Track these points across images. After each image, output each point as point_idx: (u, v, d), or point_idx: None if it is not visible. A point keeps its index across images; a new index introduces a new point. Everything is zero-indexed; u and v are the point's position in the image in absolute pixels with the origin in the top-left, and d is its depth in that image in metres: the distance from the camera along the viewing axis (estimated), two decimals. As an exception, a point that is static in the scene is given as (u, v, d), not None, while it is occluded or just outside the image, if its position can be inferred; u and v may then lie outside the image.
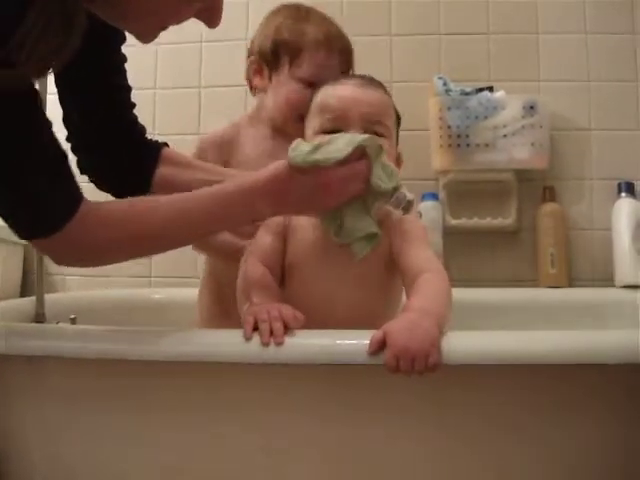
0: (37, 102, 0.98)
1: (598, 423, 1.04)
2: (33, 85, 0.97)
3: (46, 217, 0.99)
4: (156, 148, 1.40)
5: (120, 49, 1.34)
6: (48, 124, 1.00)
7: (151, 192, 1.37)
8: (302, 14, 1.53)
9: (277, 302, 1.12)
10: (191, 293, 1.83)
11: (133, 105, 1.39)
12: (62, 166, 1.01)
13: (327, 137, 1.12)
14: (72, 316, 1.54)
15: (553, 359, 0.99)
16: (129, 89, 1.38)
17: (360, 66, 2.11)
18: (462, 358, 0.98)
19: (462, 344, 1.00)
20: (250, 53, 1.56)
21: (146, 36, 1.10)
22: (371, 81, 1.25)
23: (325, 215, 1.14)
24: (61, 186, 1.00)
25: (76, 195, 1.01)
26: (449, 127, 1.98)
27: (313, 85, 1.41)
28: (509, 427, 1.05)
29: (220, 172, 1.39)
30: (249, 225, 1.23)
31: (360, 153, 1.08)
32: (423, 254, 1.16)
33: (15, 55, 0.85)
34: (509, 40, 2.10)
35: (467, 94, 1.98)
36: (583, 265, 2.01)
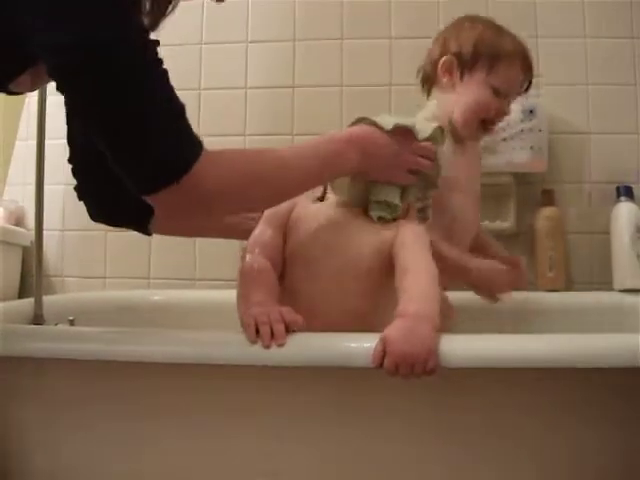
0: (159, 56, 1.06)
1: (596, 426, 1.04)
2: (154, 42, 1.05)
3: (176, 157, 1.00)
4: None
5: None
6: (167, 76, 1.05)
7: (150, 229, 1.40)
8: (499, 27, 1.57)
9: (276, 300, 1.12)
10: (190, 295, 1.83)
11: None
12: (184, 114, 1.04)
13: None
14: (71, 317, 1.54)
15: (551, 363, 0.99)
16: None
17: (360, 70, 2.12)
18: (460, 361, 0.99)
19: (460, 347, 1.00)
20: (443, 52, 1.55)
21: None
22: None
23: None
24: (186, 131, 1.03)
25: (197, 139, 1.03)
26: (448, 130, 1.99)
27: (499, 95, 1.49)
28: (507, 430, 1.05)
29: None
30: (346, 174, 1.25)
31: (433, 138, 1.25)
32: (411, 252, 1.18)
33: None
34: (508, 43, 2.10)
35: (466, 97, 1.98)
36: (582, 269, 2.00)
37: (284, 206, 1.24)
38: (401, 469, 1.06)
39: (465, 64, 1.52)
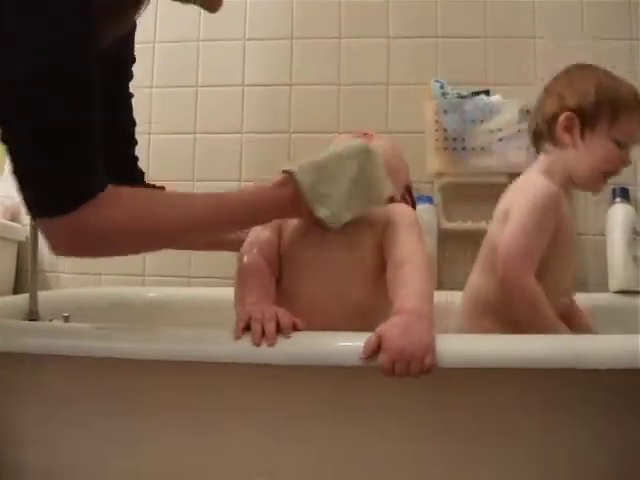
0: (94, 81, 1.00)
1: (593, 427, 1.04)
2: (93, 66, 0.99)
3: (70, 193, 0.98)
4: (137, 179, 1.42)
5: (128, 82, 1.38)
6: (97, 106, 1.00)
7: None
8: (611, 74, 1.50)
9: (272, 301, 1.12)
10: (185, 292, 1.83)
11: (136, 141, 1.41)
12: (97, 148, 1.01)
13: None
14: (65, 314, 1.54)
15: (547, 363, 0.99)
16: (134, 123, 1.40)
17: (358, 69, 2.12)
18: (456, 361, 0.99)
19: (456, 347, 1.00)
20: (560, 107, 1.48)
21: None
22: None
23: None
24: (91, 167, 1.00)
25: (101, 179, 1.01)
26: (445, 130, 1.99)
27: (622, 147, 1.44)
28: (503, 430, 1.05)
29: None
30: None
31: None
32: (408, 245, 1.17)
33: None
34: (506, 44, 2.10)
35: (463, 97, 1.98)
36: (577, 270, 2.00)
37: None
38: (397, 468, 1.06)
39: (587, 120, 1.45)
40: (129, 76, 1.37)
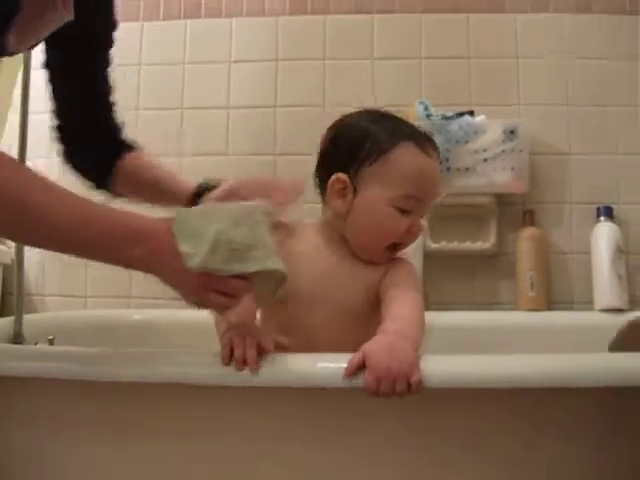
0: None
1: (580, 447, 1.04)
2: None
3: None
4: (124, 145, 1.45)
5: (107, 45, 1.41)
6: None
7: (112, 183, 1.44)
8: None
9: (254, 320, 1.12)
10: (172, 314, 1.82)
11: (113, 103, 1.45)
12: None
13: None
14: (50, 337, 1.53)
15: (532, 383, 0.99)
16: (110, 89, 1.44)
17: (342, 90, 2.13)
18: (441, 382, 0.98)
19: (441, 368, 1.00)
20: None
21: None
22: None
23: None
24: None
25: None
26: (430, 151, 2.00)
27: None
28: (488, 451, 1.05)
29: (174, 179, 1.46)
30: (114, 264, 1.05)
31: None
32: (408, 290, 1.16)
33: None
34: (489, 64, 2.12)
35: (448, 119, 1.99)
36: (562, 289, 2.01)
37: None
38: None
39: None
40: (104, 56, 1.41)
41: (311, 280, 1.19)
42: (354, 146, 1.20)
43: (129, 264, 1.03)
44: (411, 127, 1.23)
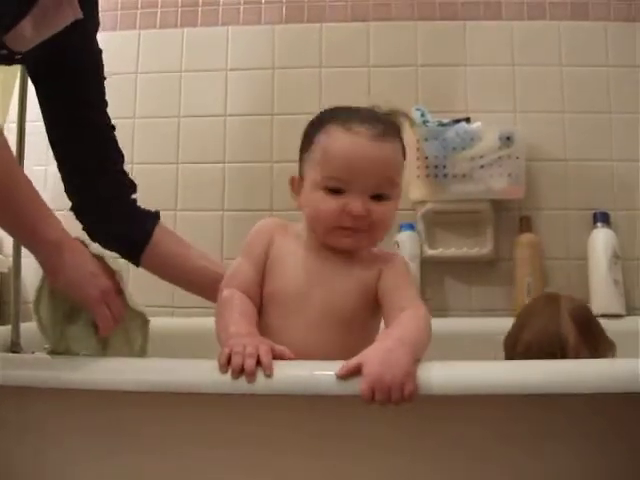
0: None
1: (579, 453, 1.04)
2: None
3: None
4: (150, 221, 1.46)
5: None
6: None
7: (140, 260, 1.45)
8: None
9: (256, 329, 1.11)
10: (167, 322, 1.82)
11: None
12: None
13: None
14: (47, 346, 1.52)
15: (530, 389, 0.98)
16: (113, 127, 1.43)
17: (339, 98, 2.12)
18: (438, 388, 0.98)
19: (438, 374, 0.99)
20: None
21: None
22: (385, 128, 1.18)
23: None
24: None
25: None
26: (426, 158, 2.00)
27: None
28: (486, 457, 1.04)
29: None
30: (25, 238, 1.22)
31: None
32: (406, 293, 1.16)
33: None
34: (486, 71, 2.13)
35: (444, 125, 2.00)
36: (560, 294, 2.01)
37: (261, 242, 1.22)
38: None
39: None
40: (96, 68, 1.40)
41: (295, 279, 1.19)
42: (301, 143, 1.25)
43: (39, 242, 1.15)
44: (347, 110, 1.23)
